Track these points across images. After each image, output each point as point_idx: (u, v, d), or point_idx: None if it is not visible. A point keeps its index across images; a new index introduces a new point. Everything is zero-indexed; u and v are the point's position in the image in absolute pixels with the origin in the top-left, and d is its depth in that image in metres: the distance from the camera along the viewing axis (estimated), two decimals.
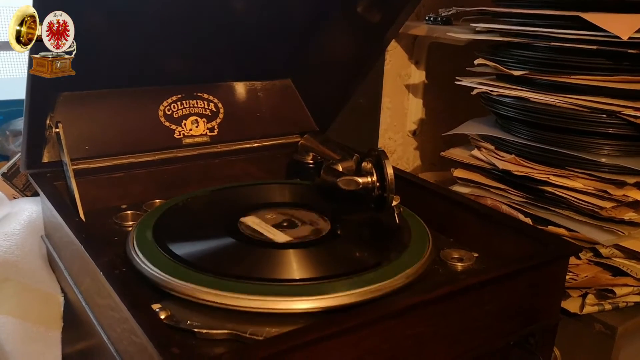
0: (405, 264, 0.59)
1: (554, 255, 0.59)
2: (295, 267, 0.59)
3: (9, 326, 0.64)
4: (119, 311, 0.51)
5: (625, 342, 0.79)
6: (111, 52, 0.75)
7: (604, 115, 0.80)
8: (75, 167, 0.74)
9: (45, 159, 0.75)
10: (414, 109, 1.34)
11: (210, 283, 0.54)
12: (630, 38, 0.74)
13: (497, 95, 0.91)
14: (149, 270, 0.57)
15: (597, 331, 0.80)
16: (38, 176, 0.74)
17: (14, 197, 0.86)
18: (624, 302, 0.80)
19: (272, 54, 0.92)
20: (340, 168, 0.74)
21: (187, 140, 0.85)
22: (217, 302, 0.53)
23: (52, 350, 0.66)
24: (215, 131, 0.88)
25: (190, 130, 0.85)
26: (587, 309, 0.80)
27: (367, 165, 0.70)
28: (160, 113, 0.84)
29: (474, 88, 0.95)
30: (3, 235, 0.74)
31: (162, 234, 0.65)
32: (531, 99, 0.86)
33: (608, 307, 0.80)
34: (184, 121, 0.85)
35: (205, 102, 0.87)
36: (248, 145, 0.91)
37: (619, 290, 0.78)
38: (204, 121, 0.87)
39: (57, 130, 0.71)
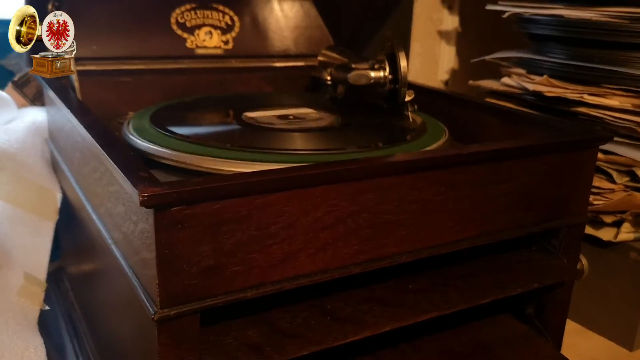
0: (420, 146, 0.54)
1: (579, 138, 0.53)
2: (296, 142, 0.55)
3: None
4: (99, 167, 0.47)
5: None
6: None
7: None
8: (81, 67, 0.71)
9: None
10: (446, 58, 1.27)
11: (199, 150, 0.51)
12: None
13: (531, 15, 0.85)
14: (137, 140, 0.54)
15: (633, 260, 0.73)
16: None
17: (23, 107, 0.84)
18: None
19: None
20: (352, 66, 0.69)
21: (200, 51, 0.81)
22: (204, 167, 0.49)
23: (42, 236, 0.62)
24: (230, 45, 0.84)
25: (204, 41, 0.82)
26: (622, 236, 0.74)
27: (380, 63, 0.66)
28: (173, 20, 0.80)
29: (505, 12, 0.89)
30: (4, 129, 0.71)
31: (160, 118, 0.61)
32: (566, 16, 0.80)
33: None
34: (197, 31, 0.82)
35: (220, 14, 0.84)
36: (264, 64, 0.87)
37: None
38: (218, 33, 0.83)
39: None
